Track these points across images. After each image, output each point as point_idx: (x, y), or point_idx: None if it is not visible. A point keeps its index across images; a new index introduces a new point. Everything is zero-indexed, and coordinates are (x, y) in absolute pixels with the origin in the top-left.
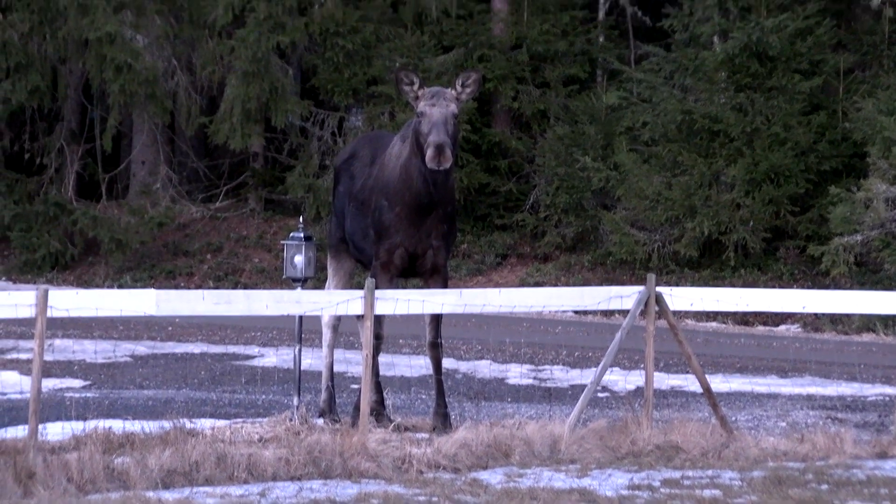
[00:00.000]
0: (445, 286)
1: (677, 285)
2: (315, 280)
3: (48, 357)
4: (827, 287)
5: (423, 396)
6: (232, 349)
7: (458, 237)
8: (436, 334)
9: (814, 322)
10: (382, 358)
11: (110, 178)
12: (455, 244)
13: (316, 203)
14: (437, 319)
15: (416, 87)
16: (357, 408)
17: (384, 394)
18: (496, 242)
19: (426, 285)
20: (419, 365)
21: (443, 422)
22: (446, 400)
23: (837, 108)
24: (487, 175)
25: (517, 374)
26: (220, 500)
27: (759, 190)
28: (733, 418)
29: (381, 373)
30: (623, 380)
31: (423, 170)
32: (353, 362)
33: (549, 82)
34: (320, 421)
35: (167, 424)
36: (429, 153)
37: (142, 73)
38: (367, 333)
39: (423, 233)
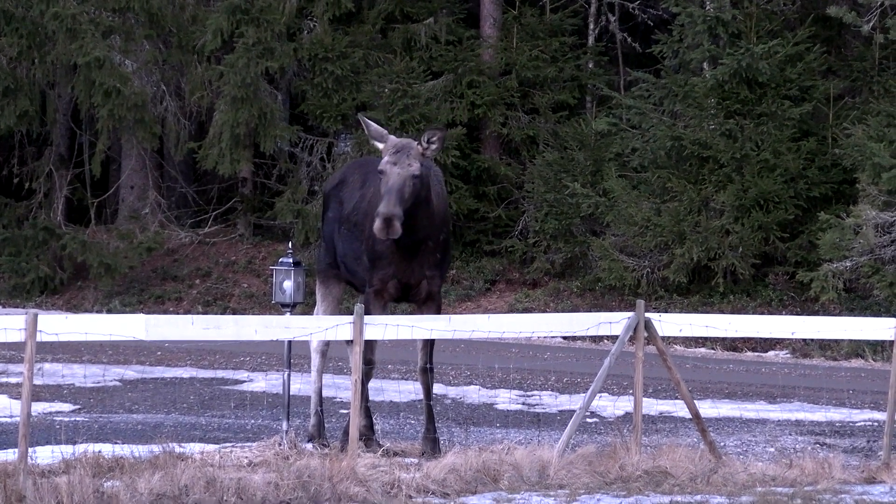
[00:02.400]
0: (439, 312)
1: (666, 311)
2: (304, 305)
3: (37, 381)
4: (816, 313)
5: (413, 421)
6: (221, 374)
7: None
8: (427, 359)
9: (803, 348)
10: (372, 383)
11: (99, 202)
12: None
13: (305, 228)
14: (429, 345)
15: (382, 139)
16: (346, 432)
17: (373, 419)
18: (485, 268)
19: (420, 311)
20: (408, 390)
21: (432, 447)
22: (436, 425)
23: (827, 135)
24: (476, 201)
25: (506, 399)
26: None
27: (748, 216)
28: (722, 444)
29: (370, 398)
30: (612, 405)
31: None
32: (342, 387)
33: (538, 108)
34: (309, 446)
35: (157, 448)
36: (376, 223)
37: (130, 97)
38: (356, 359)
39: (416, 264)
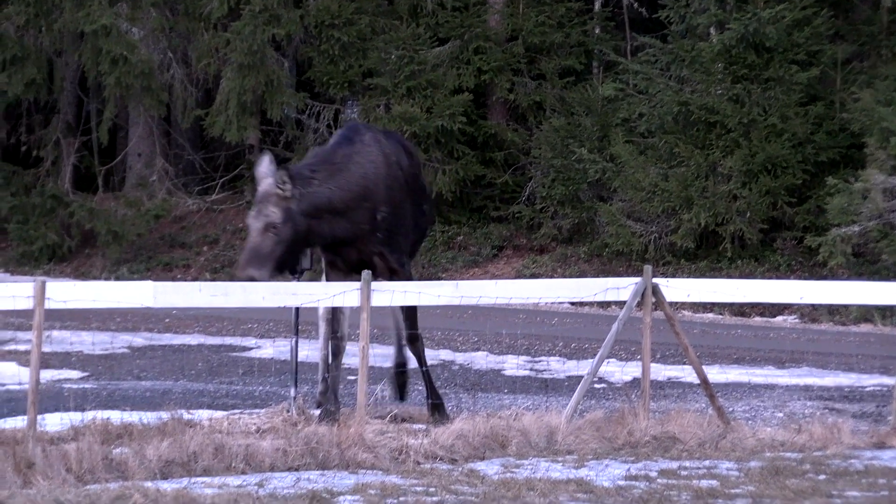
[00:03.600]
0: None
1: (674, 276)
2: (312, 272)
3: (46, 348)
4: (824, 278)
5: (420, 388)
6: (229, 340)
7: (451, 228)
8: (412, 328)
9: (811, 313)
10: (379, 350)
11: (107, 170)
12: (428, 236)
13: None
14: (409, 314)
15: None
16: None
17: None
18: (492, 234)
19: None
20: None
21: (439, 412)
22: (437, 391)
23: (835, 99)
24: (483, 167)
25: (514, 365)
26: (219, 490)
27: (756, 181)
28: (730, 409)
29: (377, 364)
30: (620, 371)
31: None
32: (349, 353)
33: (544, 74)
34: (317, 412)
35: (165, 415)
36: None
37: (137, 65)
38: (363, 325)
39: (356, 248)
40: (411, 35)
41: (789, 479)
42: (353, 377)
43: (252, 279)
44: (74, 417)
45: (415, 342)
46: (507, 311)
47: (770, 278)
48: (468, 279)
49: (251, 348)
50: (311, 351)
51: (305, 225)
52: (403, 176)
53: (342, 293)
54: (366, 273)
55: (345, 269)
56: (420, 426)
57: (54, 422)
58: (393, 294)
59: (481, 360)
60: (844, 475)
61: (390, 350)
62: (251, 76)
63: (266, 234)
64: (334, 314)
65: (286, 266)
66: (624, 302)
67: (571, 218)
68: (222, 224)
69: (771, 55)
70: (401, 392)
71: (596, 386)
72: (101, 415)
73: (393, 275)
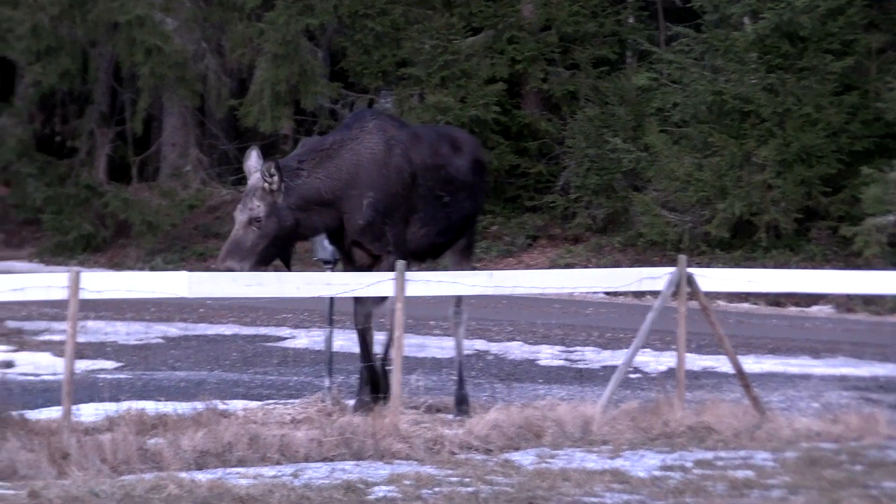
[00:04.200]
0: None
1: (709, 266)
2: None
3: (81, 339)
4: (859, 268)
5: (455, 377)
6: (263, 331)
7: (481, 218)
8: (361, 320)
9: (846, 303)
10: (414, 339)
11: (141, 160)
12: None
13: None
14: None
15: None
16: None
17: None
18: (526, 224)
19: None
20: (450, 346)
21: (368, 406)
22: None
23: (869, 88)
24: (517, 157)
25: (548, 355)
26: (253, 480)
27: (790, 171)
28: (766, 399)
29: (412, 354)
30: (655, 361)
31: None
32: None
33: (578, 63)
34: (353, 402)
35: (200, 406)
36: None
37: (171, 56)
38: (398, 315)
39: (340, 236)
40: (445, 25)
41: (825, 469)
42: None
43: (230, 270)
44: (109, 408)
45: (361, 333)
46: (541, 301)
47: (805, 268)
48: (502, 269)
49: (286, 338)
50: (345, 341)
51: (292, 219)
52: (411, 166)
53: (376, 283)
54: (400, 263)
55: (345, 259)
56: (454, 416)
57: (89, 412)
58: (428, 284)
59: (516, 350)
60: (881, 466)
61: (424, 340)
62: (285, 66)
63: (249, 228)
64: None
65: (270, 260)
66: (659, 292)
67: (606, 207)
68: None
69: (805, 45)
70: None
71: (631, 376)
72: (136, 405)
73: (375, 262)
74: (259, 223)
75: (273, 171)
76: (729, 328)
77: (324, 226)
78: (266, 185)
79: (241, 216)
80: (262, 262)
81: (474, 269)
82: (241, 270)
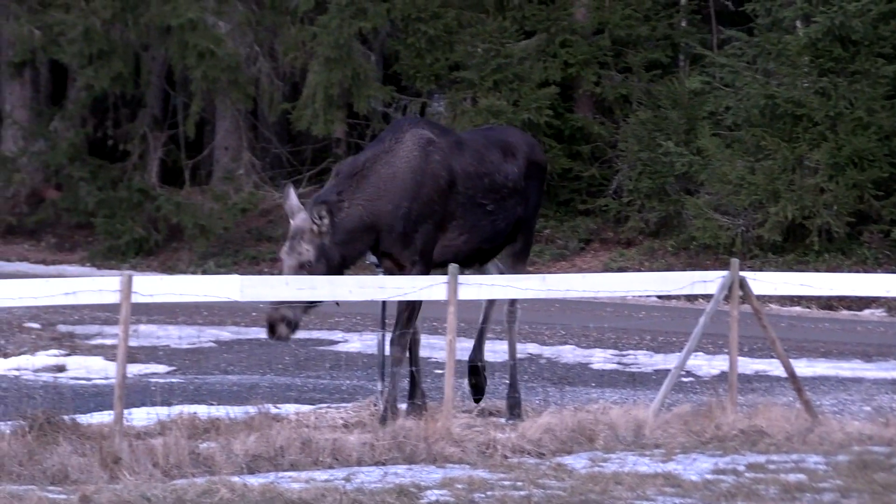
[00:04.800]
0: None
1: (761, 270)
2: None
3: (133, 343)
4: None
5: (507, 381)
6: (316, 334)
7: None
8: (400, 326)
9: None
10: (465, 343)
11: (193, 164)
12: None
13: None
14: (409, 310)
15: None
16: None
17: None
18: (579, 227)
19: None
20: (502, 350)
21: (420, 410)
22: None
23: None
24: (570, 160)
25: (601, 358)
26: (306, 484)
27: (842, 174)
28: (818, 403)
29: (464, 358)
30: (707, 364)
31: None
32: (436, 347)
33: (631, 67)
34: (406, 406)
35: (252, 410)
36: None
37: (224, 59)
38: (451, 319)
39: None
40: (498, 28)
41: (877, 472)
42: (440, 371)
43: (285, 319)
44: (161, 412)
45: (396, 342)
46: (594, 305)
47: (857, 272)
48: (555, 272)
49: (338, 342)
50: None
51: (339, 256)
52: (450, 174)
53: (429, 286)
54: (452, 266)
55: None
56: (506, 420)
57: (141, 416)
58: (480, 287)
59: (569, 353)
60: None
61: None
62: (338, 70)
63: (299, 273)
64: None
65: (321, 301)
66: (711, 295)
67: (658, 211)
68: None
69: (857, 48)
70: (475, 391)
71: (683, 380)
72: (188, 409)
73: (401, 270)
74: (310, 267)
75: (324, 213)
76: (781, 331)
77: (366, 248)
78: (315, 227)
79: (289, 260)
80: (314, 305)
81: (527, 272)
82: (296, 319)
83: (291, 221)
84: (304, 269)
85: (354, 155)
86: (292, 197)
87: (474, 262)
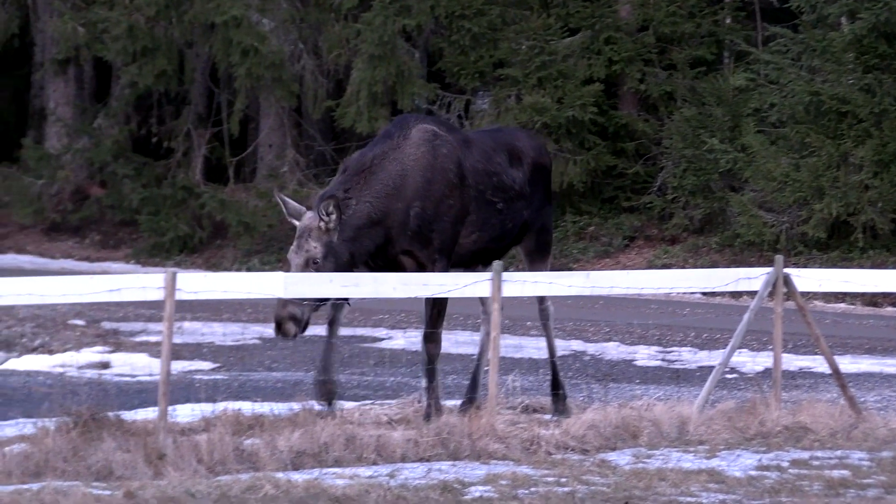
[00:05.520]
0: None
1: (805, 267)
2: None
3: (177, 339)
4: None
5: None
6: (360, 331)
7: (570, 219)
8: (430, 324)
9: None
10: (510, 340)
11: (237, 161)
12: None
13: None
14: (434, 308)
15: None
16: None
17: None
18: (623, 224)
19: None
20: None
21: (429, 413)
22: (436, 391)
23: None
24: (614, 157)
25: (645, 355)
26: (350, 481)
27: (887, 171)
28: (862, 399)
29: (509, 355)
30: (751, 361)
31: None
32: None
33: (675, 64)
34: (449, 402)
35: (296, 406)
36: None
37: (268, 56)
38: (494, 316)
39: (384, 247)
40: (542, 25)
41: None
42: (484, 368)
43: (293, 316)
44: (205, 408)
45: (429, 341)
46: (638, 302)
47: None
48: (599, 269)
49: (382, 339)
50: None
51: (347, 252)
52: (459, 168)
53: (473, 283)
54: (497, 263)
55: (380, 266)
56: (551, 416)
57: (185, 413)
58: (524, 284)
59: (613, 350)
60: None
61: (520, 340)
62: (382, 67)
63: (307, 270)
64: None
65: (328, 299)
66: (755, 292)
67: (703, 208)
68: None
69: None
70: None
71: (727, 376)
72: (232, 406)
73: (422, 269)
74: (317, 265)
75: (332, 209)
76: (825, 328)
77: (374, 245)
78: (322, 224)
79: (297, 258)
80: (321, 302)
81: (571, 269)
82: (303, 317)
83: (297, 223)
84: (310, 266)
85: (361, 151)
86: (290, 202)
87: (478, 262)
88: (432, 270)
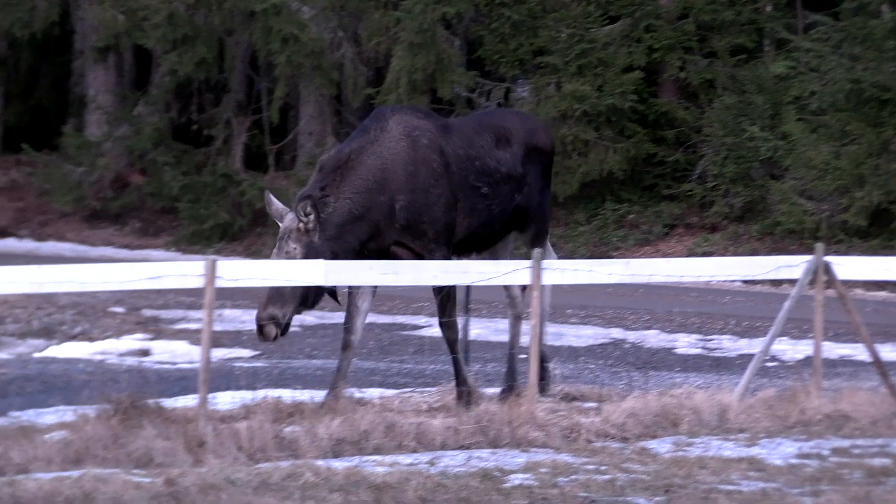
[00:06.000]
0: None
1: (846, 255)
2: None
3: (217, 327)
4: None
5: (591, 366)
6: (400, 319)
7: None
8: (442, 313)
9: None
10: (550, 328)
11: (277, 149)
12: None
13: None
14: (442, 296)
15: (281, 219)
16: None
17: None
18: (663, 212)
19: None
20: (586, 335)
21: (465, 399)
22: (466, 378)
23: None
24: (654, 145)
25: (685, 343)
26: (390, 468)
27: None
28: None
29: (549, 343)
30: (792, 349)
31: None
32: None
33: (716, 52)
34: (490, 390)
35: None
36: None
37: (308, 44)
38: (535, 304)
39: (374, 242)
40: (582, 13)
41: None
42: (524, 356)
43: (273, 319)
44: (245, 396)
45: (446, 328)
46: (678, 290)
47: None
48: (639, 257)
49: (422, 326)
50: (482, 329)
51: (329, 251)
52: (442, 156)
53: (513, 271)
54: (536, 251)
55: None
56: (591, 404)
57: (225, 400)
58: (564, 272)
59: (653, 338)
60: None
61: (560, 328)
62: (422, 55)
63: None
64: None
65: (315, 302)
66: (796, 280)
67: (743, 196)
68: None
69: None
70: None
71: (768, 364)
72: (273, 393)
73: (419, 257)
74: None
75: (309, 210)
76: (866, 316)
77: (359, 242)
78: (301, 225)
79: (280, 260)
80: (306, 305)
81: (611, 257)
82: (284, 319)
83: (280, 225)
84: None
85: (338, 147)
86: (274, 202)
87: (470, 249)
88: (428, 258)
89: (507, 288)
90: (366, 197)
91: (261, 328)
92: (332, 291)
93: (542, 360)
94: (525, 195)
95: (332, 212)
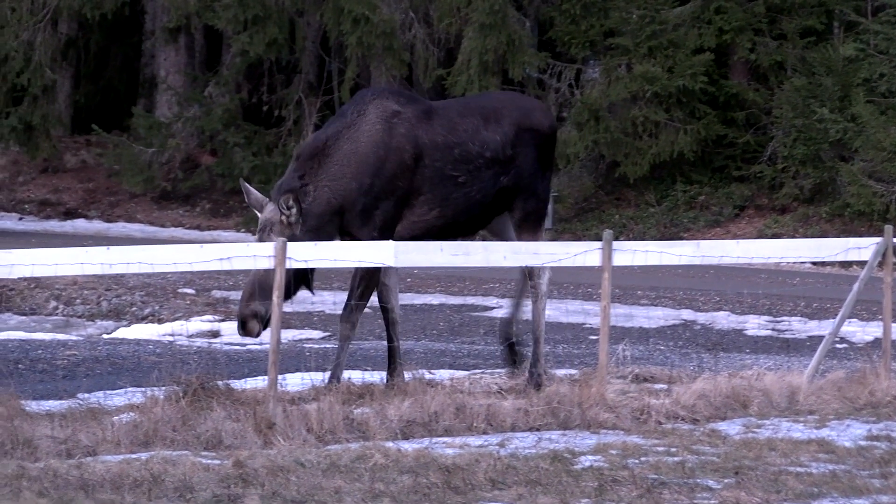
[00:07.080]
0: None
1: None
2: (552, 231)
3: (287, 308)
4: None
5: (661, 347)
6: (470, 300)
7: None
8: (359, 297)
9: None
10: (620, 309)
11: None
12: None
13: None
14: (360, 281)
15: (261, 209)
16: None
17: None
18: (734, 194)
19: None
20: (657, 316)
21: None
22: (398, 364)
23: None
24: (724, 126)
25: (755, 325)
26: (460, 450)
27: None
28: None
29: (619, 324)
30: (861, 331)
31: None
32: (590, 313)
33: (785, 34)
34: (560, 371)
35: (407, 375)
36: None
37: (379, 25)
38: (605, 285)
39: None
40: None
41: None
42: (594, 337)
43: (255, 315)
44: (315, 377)
45: (345, 319)
46: (748, 271)
47: None
48: (710, 239)
49: (492, 308)
50: (553, 311)
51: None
52: (415, 147)
53: (584, 252)
54: (607, 233)
55: None
56: (661, 386)
57: (295, 382)
58: (635, 254)
59: (723, 319)
60: None
61: (630, 309)
62: (493, 36)
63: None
64: (386, 288)
65: (294, 292)
66: (865, 262)
67: (813, 178)
68: None
69: None
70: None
71: (837, 346)
72: (343, 374)
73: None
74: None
75: (291, 203)
76: None
77: (336, 230)
78: (284, 218)
79: None
80: (288, 298)
81: (681, 238)
82: (268, 314)
83: (259, 214)
84: None
85: (315, 133)
86: (252, 192)
87: (454, 235)
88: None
89: (528, 273)
90: (342, 184)
91: (244, 324)
92: (307, 281)
93: (512, 342)
94: (512, 177)
95: (312, 201)
